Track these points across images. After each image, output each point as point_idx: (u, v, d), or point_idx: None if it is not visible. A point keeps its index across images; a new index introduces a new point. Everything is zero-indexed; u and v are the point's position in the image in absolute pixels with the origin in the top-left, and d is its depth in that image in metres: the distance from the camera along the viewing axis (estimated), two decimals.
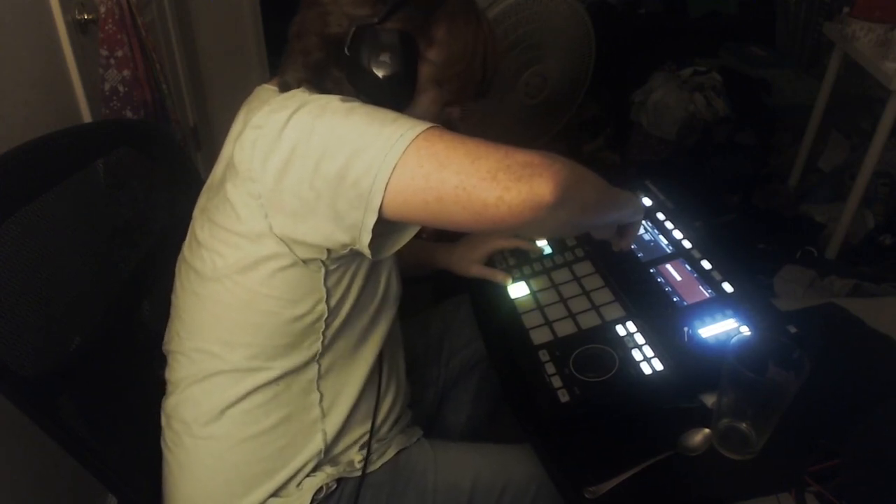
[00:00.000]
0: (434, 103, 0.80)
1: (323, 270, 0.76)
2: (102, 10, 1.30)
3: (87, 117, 1.31)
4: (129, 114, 1.36)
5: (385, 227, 0.69)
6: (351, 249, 0.72)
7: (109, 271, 0.92)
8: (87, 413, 0.79)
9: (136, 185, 0.98)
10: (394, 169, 0.64)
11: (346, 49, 0.74)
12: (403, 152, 0.64)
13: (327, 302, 0.78)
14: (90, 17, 1.30)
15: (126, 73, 1.34)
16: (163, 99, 1.48)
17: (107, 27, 1.30)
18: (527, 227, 0.66)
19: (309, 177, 0.67)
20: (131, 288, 0.95)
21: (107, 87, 1.33)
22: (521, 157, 0.64)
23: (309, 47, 0.77)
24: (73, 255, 0.85)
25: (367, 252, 0.70)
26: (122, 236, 0.95)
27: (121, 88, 1.34)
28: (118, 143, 0.94)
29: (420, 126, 0.66)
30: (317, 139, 0.67)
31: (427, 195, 0.64)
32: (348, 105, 0.69)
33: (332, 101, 0.70)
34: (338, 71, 0.76)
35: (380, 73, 0.74)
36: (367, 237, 0.68)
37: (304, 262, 0.74)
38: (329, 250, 0.74)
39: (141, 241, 0.97)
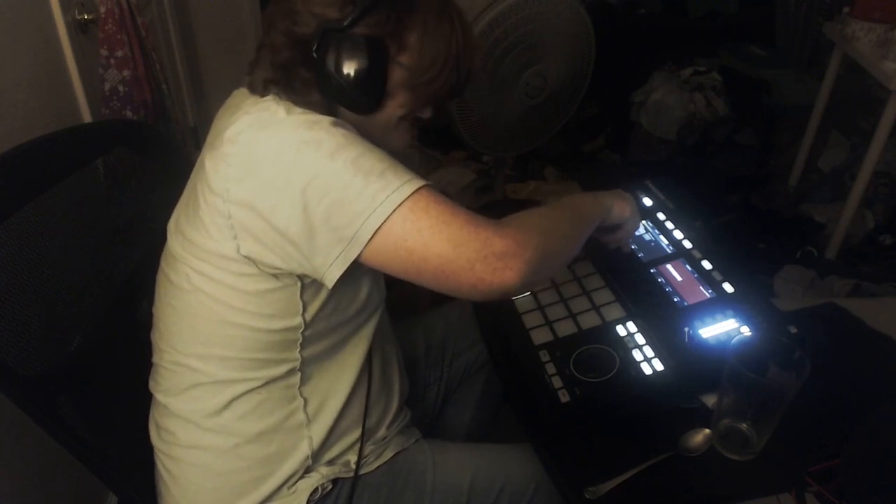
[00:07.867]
0: (404, 106, 0.77)
1: (299, 284, 0.75)
2: (102, 10, 1.30)
3: (87, 117, 1.31)
4: (129, 114, 1.36)
5: (351, 266, 0.69)
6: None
7: (110, 271, 0.91)
8: (87, 412, 0.79)
9: (135, 185, 0.98)
10: (376, 231, 0.66)
11: (313, 52, 0.72)
12: (388, 217, 0.65)
13: (303, 315, 0.77)
14: (90, 17, 1.31)
15: (126, 73, 1.34)
16: (163, 99, 1.48)
17: (107, 27, 1.30)
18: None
19: (285, 212, 0.66)
20: (131, 288, 0.94)
21: (107, 87, 1.33)
22: (499, 245, 0.67)
23: (276, 44, 0.75)
24: (73, 255, 0.85)
25: (326, 284, 0.71)
26: (122, 236, 0.95)
27: (121, 88, 1.34)
28: (117, 143, 0.94)
29: (407, 187, 0.66)
30: (297, 177, 0.65)
31: (407, 266, 0.68)
32: (334, 142, 0.67)
33: (316, 128, 0.67)
34: (306, 72, 0.74)
35: (349, 80, 0.71)
36: (330, 282, 0.70)
37: (277, 277, 0.73)
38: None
39: (141, 241, 0.97)
